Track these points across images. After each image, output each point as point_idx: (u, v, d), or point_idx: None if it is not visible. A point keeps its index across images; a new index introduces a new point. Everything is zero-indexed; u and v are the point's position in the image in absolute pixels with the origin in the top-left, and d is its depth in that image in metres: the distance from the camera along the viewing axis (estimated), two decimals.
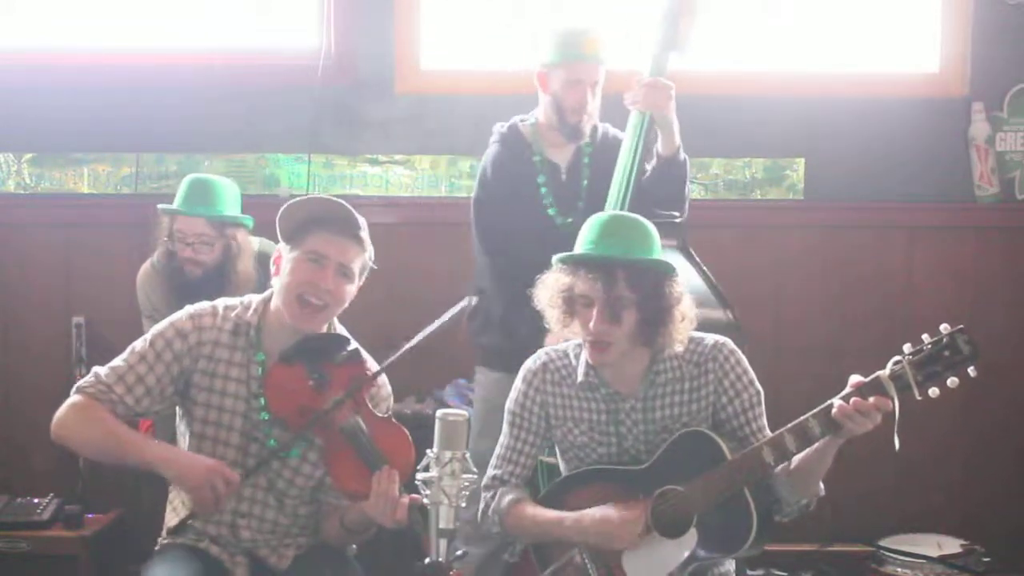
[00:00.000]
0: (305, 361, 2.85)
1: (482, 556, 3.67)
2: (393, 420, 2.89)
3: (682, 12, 3.59)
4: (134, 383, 2.87)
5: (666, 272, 2.82)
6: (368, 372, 2.89)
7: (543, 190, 3.67)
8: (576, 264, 2.81)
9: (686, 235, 3.71)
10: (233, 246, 3.86)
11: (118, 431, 2.84)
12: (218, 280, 3.79)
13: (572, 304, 2.82)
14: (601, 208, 3.58)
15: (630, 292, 2.76)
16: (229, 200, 3.91)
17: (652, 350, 2.86)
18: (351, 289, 2.89)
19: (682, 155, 3.65)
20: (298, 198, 2.89)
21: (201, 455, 2.84)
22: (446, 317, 2.84)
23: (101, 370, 2.90)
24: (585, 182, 3.70)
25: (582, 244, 2.85)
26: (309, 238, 2.84)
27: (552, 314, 2.87)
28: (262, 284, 3.82)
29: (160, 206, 3.91)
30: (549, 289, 2.86)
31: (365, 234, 2.88)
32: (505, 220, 3.65)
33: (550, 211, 3.66)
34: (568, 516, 2.87)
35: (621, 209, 3.52)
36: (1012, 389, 4.41)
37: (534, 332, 3.39)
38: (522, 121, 3.75)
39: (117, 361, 2.90)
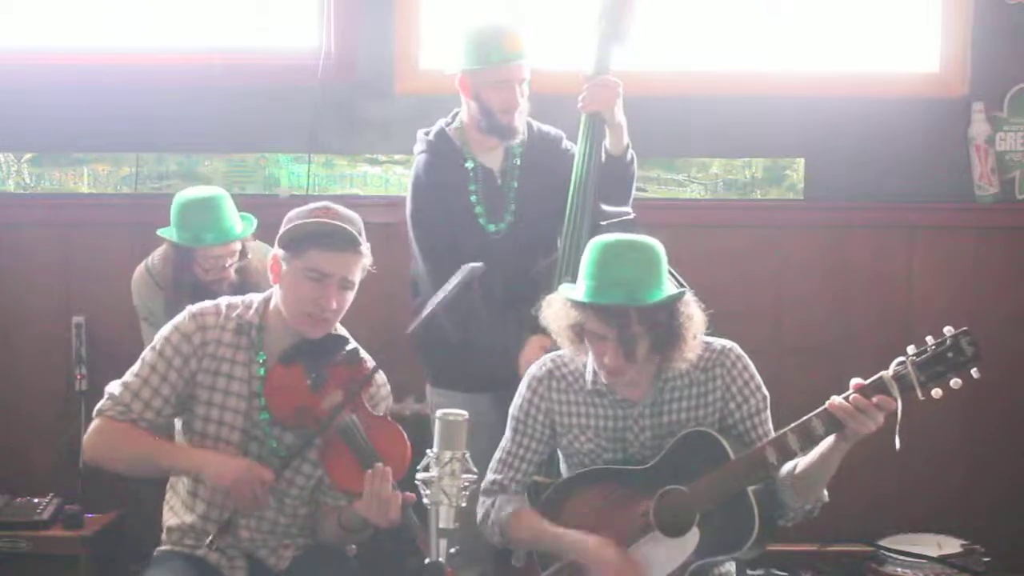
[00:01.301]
0: (304, 361, 2.86)
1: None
2: (389, 419, 2.90)
3: (622, 3, 3.54)
4: (150, 397, 2.88)
5: (677, 300, 2.80)
6: (366, 371, 2.89)
7: (473, 198, 3.59)
8: (585, 305, 2.78)
9: (639, 231, 3.66)
10: (247, 249, 3.87)
11: (146, 446, 2.87)
12: (240, 283, 3.78)
13: (583, 336, 2.82)
14: (536, 210, 3.55)
15: (643, 328, 2.75)
16: (232, 209, 3.88)
17: (664, 367, 2.86)
18: (352, 294, 2.90)
19: (630, 154, 3.60)
20: (303, 214, 2.87)
21: (228, 457, 2.85)
22: (451, 285, 2.81)
23: (115, 389, 2.91)
24: (515, 183, 3.63)
25: (587, 279, 2.78)
26: (309, 253, 2.82)
27: (563, 342, 2.87)
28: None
29: (181, 241, 3.80)
30: (559, 319, 2.84)
31: (365, 245, 2.87)
32: (442, 232, 3.57)
33: (480, 220, 3.59)
34: (569, 536, 2.85)
35: (580, 216, 3.48)
36: (1013, 389, 4.41)
37: (494, 340, 3.38)
38: (448, 125, 3.67)
39: (129, 376, 2.91)
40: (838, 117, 4.48)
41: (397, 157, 4.51)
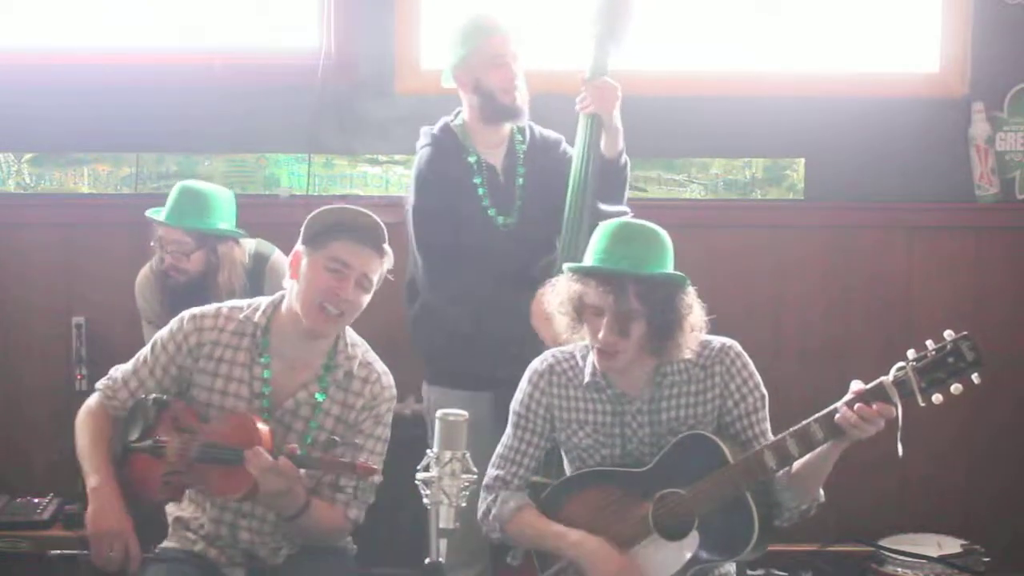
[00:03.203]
0: (137, 446, 2.91)
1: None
2: (227, 414, 2.90)
3: (618, 4, 3.55)
4: (136, 388, 2.96)
5: (678, 284, 2.81)
6: (173, 407, 2.93)
7: (480, 191, 3.60)
8: (587, 274, 2.80)
9: None
10: (212, 259, 3.83)
11: (85, 450, 2.94)
12: (201, 289, 3.78)
13: (581, 312, 2.83)
14: (539, 208, 3.58)
15: (640, 305, 2.76)
16: (218, 211, 3.88)
17: (659, 358, 2.86)
18: (368, 298, 2.90)
19: (624, 158, 3.61)
20: (329, 206, 2.91)
21: (119, 511, 2.85)
22: None
23: (115, 371, 3.01)
24: (520, 180, 3.64)
25: (592, 253, 2.84)
26: (333, 244, 2.84)
27: (560, 320, 2.88)
28: (256, 288, 3.81)
29: (148, 212, 3.90)
30: (559, 295, 2.86)
31: (387, 245, 2.89)
32: (443, 225, 3.55)
33: (490, 211, 3.59)
34: (570, 536, 2.86)
35: (579, 216, 3.50)
36: (1013, 389, 4.41)
37: (486, 337, 3.38)
38: (451, 122, 3.68)
39: (129, 363, 3.01)
40: (838, 117, 4.48)
41: (397, 157, 4.51)
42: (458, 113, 3.69)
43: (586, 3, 3.66)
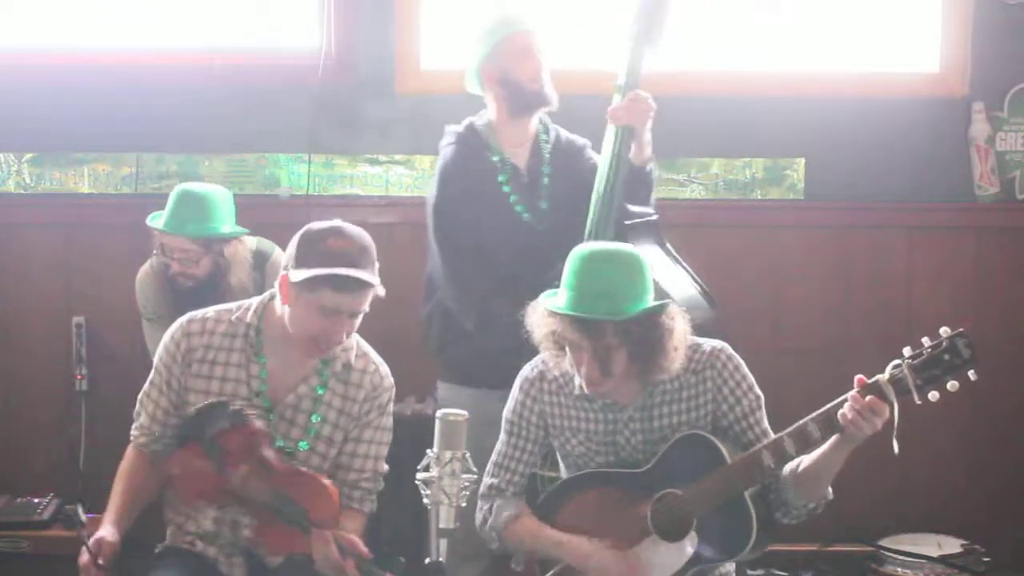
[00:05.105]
0: (197, 437, 2.87)
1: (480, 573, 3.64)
2: (304, 471, 2.88)
3: (657, 6, 3.53)
4: (154, 410, 2.98)
5: (656, 313, 2.76)
6: (255, 429, 2.88)
7: (506, 188, 3.59)
8: (562, 314, 2.76)
9: (663, 232, 3.68)
10: (221, 262, 3.79)
11: (113, 493, 2.99)
12: (211, 291, 3.77)
13: (562, 345, 2.80)
14: (565, 208, 3.56)
15: (618, 342, 2.73)
16: (218, 213, 3.83)
17: (646, 378, 2.84)
18: (360, 318, 2.90)
19: (650, 166, 3.60)
20: (316, 242, 2.83)
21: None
22: None
23: (138, 403, 3.02)
24: (545, 179, 3.64)
25: (566, 289, 2.76)
26: (323, 292, 2.79)
27: (543, 350, 2.86)
28: (258, 286, 3.81)
29: (149, 221, 3.85)
30: (539, 327, 2.82)
31: (376, 277, 2.85)
32: (470, 222, 3.54)
33: (517, 208, 3.59)
34: (568, 542, 2.86)
35: (603, 226, 3.47)
36: (1013, 389, 4.41)
37: (508, 336, 3.37)
38: (476, 122, 3.67)
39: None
40: (838, 117, 4.48)
41: (397, 157, 4.52)
42: (483, 114, 3.68)
43: (624, 2, 3.65)
